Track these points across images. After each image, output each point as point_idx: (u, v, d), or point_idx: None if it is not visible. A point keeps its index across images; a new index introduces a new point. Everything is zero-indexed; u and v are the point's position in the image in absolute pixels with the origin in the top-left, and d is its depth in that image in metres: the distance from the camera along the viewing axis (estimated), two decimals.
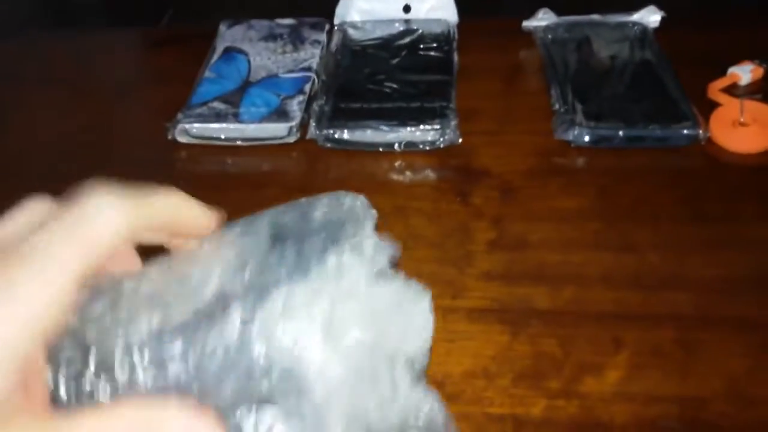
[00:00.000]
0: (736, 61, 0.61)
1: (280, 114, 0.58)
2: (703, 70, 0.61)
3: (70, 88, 0.68)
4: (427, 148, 0.56)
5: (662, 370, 0.41)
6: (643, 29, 0.65)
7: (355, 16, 0.68)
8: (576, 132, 0.55)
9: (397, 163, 0.56)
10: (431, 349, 0.29)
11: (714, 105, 0.58)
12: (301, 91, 0.60)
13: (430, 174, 0.55)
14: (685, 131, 0.55)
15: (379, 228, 0.51)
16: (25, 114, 0.65)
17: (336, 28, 0.67)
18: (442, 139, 0.56)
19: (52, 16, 0.78)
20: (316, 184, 0.55)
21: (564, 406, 0.40)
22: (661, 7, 0.66)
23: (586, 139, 0.55)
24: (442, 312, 0.45)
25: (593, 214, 0.51)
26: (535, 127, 0.58)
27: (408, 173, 0.55)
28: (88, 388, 0.24)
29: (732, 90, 0.60)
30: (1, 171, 0.59)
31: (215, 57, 0.65)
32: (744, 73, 0.60)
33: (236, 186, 0.56)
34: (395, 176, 0.55)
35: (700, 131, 0.55)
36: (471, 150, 0.57)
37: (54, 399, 0.24)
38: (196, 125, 0.58)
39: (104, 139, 0.61)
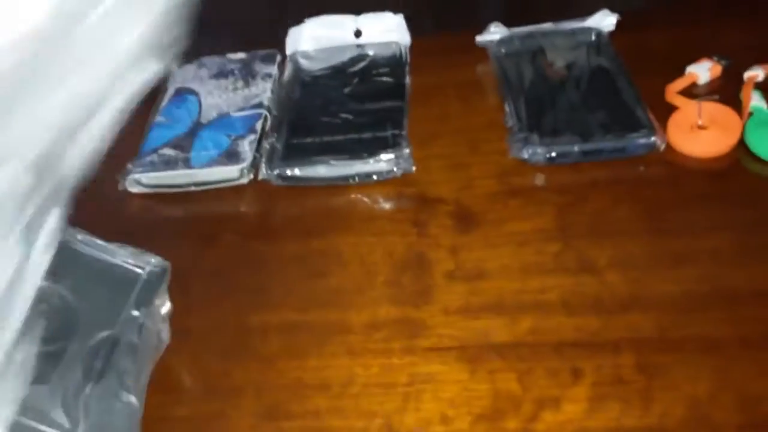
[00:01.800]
0: (694, 60, 0.60)
1: (230, 156, 0.57)
2: (661, 72, 0.60)
3: None
4: (382, 178, 0.55)
5: (623, 400, 0.40)
6: (598, 34, 0.64)
7: (306, 45, 0.67)
8: (531, 151, 0.54)
9: (352, 196, 0.55)
10: None
11: (673, 109, 0.56)
12: (252, 130, 0.59)
13: (386, 206, 0.54)
14: (642, 140, 0.54)
15: (337, 268, 0.50)
16: None
17: (288, 58, 0.66)
18: (395, 169, 0.55)
19: None
20: (272, 225, 0.55)
21: None
22: (615, 9, 0.64)
23: (542, 157, 0.54)
24: (399, 355, 0.44)
25: (552, 235, 0.50)
26: (491, 147, 0.57)
27: (364, 206, 0.54)
28: None
29: (692, 90, 0.59)
30: None
31: (166, 100, 0.64)
32: (702, 71, 0.59)
33: (191, 234, 0.55)
34: (352, 211, 0.54)
35: (657, 139, 0.53)
36: (427, 176, 0.55)
37: None
38: (147, 175, 0.57)
39: None
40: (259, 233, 0.54)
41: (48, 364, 0.40)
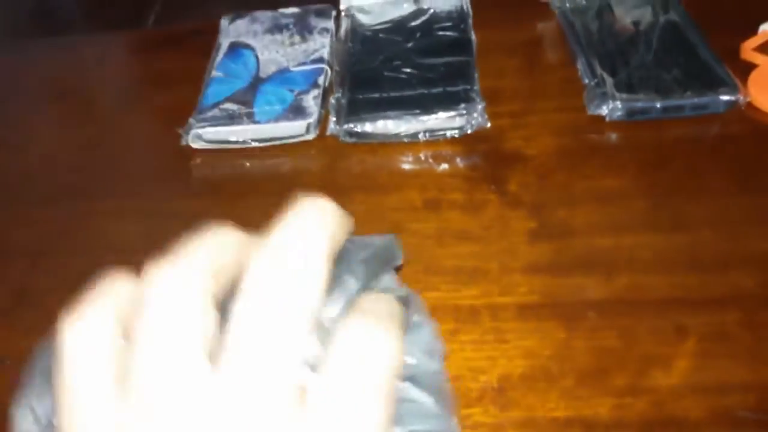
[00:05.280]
0: (766, 18, 0.58)
1: (296, 111, 0.55)
2: (733, 30, 0.58)
3: (70, 99, 0.65)
4: (455, 134, 0.53)
5: (732, 357, 0.39)
6: None
7: (361, 0, 0.65)
8: (610, 106, 0.52)
9: (422, 154, 0.54)
10: None
11: (749, 66, 0.55)
12: (315, 85, 0.57)
13: (459, 162, 0.53)
14: (725, 97, 0.52)
15: (414, 225, 0.48)
16: (25, 130, 0.62)
17: (343, 14, 0.64)
18: (469, 125, 0.53)
19: (26, 22, 0.74)
20: (340, 181, 0.53)
21: (633, 404, 0.38)
22: None
23: (621, 113, 0.52)
24: (490, 310, 0.43)
25: (638, 192, 0.48)
26: (563, 103, 0.55)
27: (436, 163, 0.53)
28: None
29: (767, 48, 0.57)
30: (3, 193, 0.56)
31: (221, 54, 0.61)
32: None
33: (258, 190, 0.53)
34: (423, 167, 0.53)
35: (740, 96, 0.52)
36: (499, 133, 0.54)
37: None
38: (210, 129, 0.55)
39: (114, 150, 0.58)
40: (330, 190, 0.52)
41: None
